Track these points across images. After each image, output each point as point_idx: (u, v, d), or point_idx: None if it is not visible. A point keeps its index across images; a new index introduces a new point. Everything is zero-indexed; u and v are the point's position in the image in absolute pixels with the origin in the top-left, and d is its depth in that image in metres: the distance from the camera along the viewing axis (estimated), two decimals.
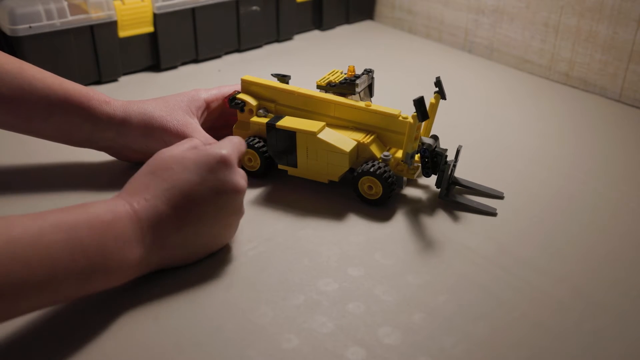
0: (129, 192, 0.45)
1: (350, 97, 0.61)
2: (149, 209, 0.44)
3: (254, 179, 0.62)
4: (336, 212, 0.57)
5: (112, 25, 0.83)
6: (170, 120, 0.59)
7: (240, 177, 0.49)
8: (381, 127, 0.59)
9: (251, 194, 0.60)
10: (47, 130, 0.59)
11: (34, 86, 0.56)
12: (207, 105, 0.63)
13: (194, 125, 0.60)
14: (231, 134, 0.63)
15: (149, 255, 0.45)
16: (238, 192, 0.48)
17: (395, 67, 0.93)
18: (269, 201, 0.59)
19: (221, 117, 0.66)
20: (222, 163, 0.47)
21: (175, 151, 0.48)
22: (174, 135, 0.58)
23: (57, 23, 0.78)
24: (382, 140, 0.60)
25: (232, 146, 0.49)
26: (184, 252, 0.48)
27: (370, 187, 0.57)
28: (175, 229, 0.46)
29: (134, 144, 0.59)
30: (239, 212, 0.50)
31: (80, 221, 0.41)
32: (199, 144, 0.49)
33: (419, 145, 0.57)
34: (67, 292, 0.40)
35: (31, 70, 0.57)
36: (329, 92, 0.61)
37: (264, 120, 0.60)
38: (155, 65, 0.90)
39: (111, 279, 0.43)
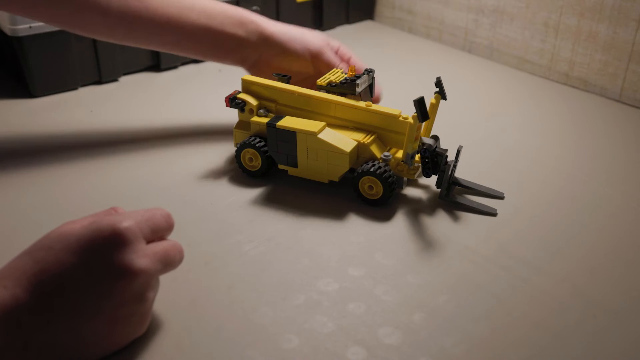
0: (2, 275, 0.37)
1: (350, 97, 0.61)
2: (7, 299, 0.35)
3: (255, 179, 0.62)
4: (336, 212, 0.57)
5: None
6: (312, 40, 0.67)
7: (139, 256, 0.38)
8: (381, 128, 0.59)
9: (251, 194, 0.60)
10: (203, 45, 0.66)
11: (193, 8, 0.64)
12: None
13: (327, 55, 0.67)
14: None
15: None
16: (132, 277, 0.37)
17: (396, 67, 0.93)
18: (269, 201, 0.59)
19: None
20: (114, 239, 0.37)
21: (72, 226, 0.39)
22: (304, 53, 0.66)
23: None
24: (383, 141, 0.60)
25: (140, 218, 0.39)
26: (62, 356, 0.37)
27: (371, 187, 0.57)
28: (41, 324, 0.36)
29: (276, 58, 0.67)
30: (140, 299, 0.39)
31: None
32: (103, 216, 0.40)
33: (419, 146, 0.57)
34: None
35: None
36: (329, 92, 0.61)
37: (265, 120, 0.60)
38: (155, 65, 0.90)
39: None
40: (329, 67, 0.68)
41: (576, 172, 0.65)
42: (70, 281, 0.36)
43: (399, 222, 0.56)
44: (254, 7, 0.95)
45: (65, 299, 0.36)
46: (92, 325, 0.38)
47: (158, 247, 0.40)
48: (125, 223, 0.38)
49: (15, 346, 0.35)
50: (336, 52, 0.70)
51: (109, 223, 0.37)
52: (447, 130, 0.67)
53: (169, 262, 0.40)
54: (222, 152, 0.67)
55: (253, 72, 0.68)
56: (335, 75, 0.63)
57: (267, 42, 0.66)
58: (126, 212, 0.40)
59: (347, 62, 0.70)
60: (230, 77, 0.86)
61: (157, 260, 0.39)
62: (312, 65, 0.68)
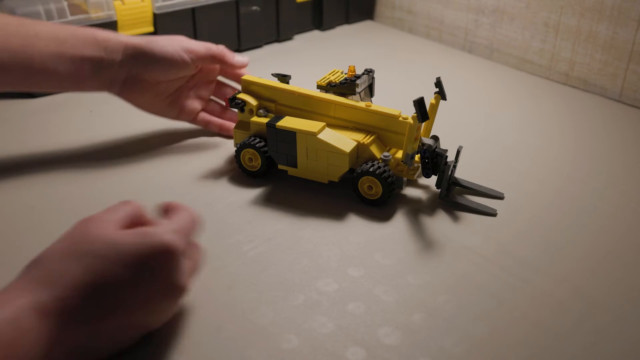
0: (39, 280, 0.36)
1: (350, 97, 0.61)
2: (56, 302, 0.35)
3: (254, 179, 0.62)
4: (336, 212, 0.57)
5: (112, 26, 0.83)
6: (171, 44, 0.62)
7: (185, 276, 0.40)
8: (381, 128, 0.59)
9: (251, 194, 0.60)
10: (58, 75, 0.59)
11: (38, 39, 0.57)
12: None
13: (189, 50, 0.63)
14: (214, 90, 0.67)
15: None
16: (180, 296, 0.40)
17: (395, 67, 0.93)
18: (269, 201, 0.59)
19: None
20: (167, 259, 0.38)
21: (107, 230, 0.38)
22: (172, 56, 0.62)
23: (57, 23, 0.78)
24: (382, 141, 0.60)
25: (184, 232, 0.41)
26: (95, 350, 0.39)
27: (370, 187, 0.57)
28: (87, 331, 0.37)
29: (149, 68, 0.62)
30: (176, 303, 0.42)
31: None
32: (136, 215, 0.41)
33: (419, 146, 0.57)
34: None
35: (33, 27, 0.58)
36: (329, 92, 0.61)
37: (264, 120, 0.60)
38: None
39: None
40: (203, 62, 0.65)
41: (576, 172, 0.65)
42: (124, 296, 0.37)
43: (399, 222, 0.56)
44: (254, 7, 0.95)
45: (117, 312, 0.37)
46: (133, 333, 0.40)
47: (193, 264, 0.43)
48: (177, 242, 0.39)
49: (59, 346, 0.36)
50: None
51: (162, 241, 0.38)
52: (446, 130, 0.67)
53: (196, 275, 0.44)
54: (222, 152, 0.67)
55: (124, 95, 0.64)
56: (335, 75, 0.63)
57: (134, 55, 0.61)
58: (170, 223, 0.41)
59: (232, 64, 0.67)
60: None
61: (192, 277, 0.43)
62: (194, 64, 0.64)
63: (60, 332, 0.35)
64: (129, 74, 0.62)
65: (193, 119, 0.69)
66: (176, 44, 0.63)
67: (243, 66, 0.68)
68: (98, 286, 0.36)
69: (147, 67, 0.62)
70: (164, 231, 0.39)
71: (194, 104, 0.69)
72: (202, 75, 0.69)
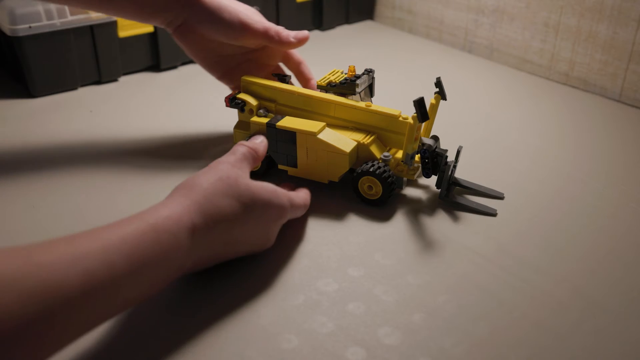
0: (200, 208, 0.44)
1: (350, 97, 0.61)
2: (205, 233, 0.44)
3: (254, 178, 0.62)
4: (336, 212, 0.57)
5: (112, 25, 0.83)
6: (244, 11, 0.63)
7: (277, 228, 0.52)
8: (381, 128, 0.59)
9: None
10: (128, 7, 0.62)
11: None
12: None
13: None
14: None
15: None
16: (267, 241, 0.51)
17: (396, 67, 0.93)
18: None
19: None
20: (282, 214, 0.50)
21: (248, 181, 0.48)
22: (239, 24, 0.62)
23: (57, 23, 0.78)
24: (382, 141, 0.60)
25: (297, 203, 0.53)
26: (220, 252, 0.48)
27: (370, 187, 0.57)
28: (213, 252, 0.46)
29: (202, 25, 0.63)
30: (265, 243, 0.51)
31: (146, 237, 0.39)
32: (251, 154, 0.52)
33: (419, 146, 0.57)
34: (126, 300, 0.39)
35: None
36: (329, 92, 0.61)
37: (264, 120, 0.60)
38: (155, 65, 0.90)
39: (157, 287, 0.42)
40: (257, 40, 0.63)
41: (576, 172, 0.65)
42: (247, 232, 0.48)
43: (399, 222, 0.56)
44: (254, 7, 0.95)
45: (238, 242, 0.48)
46: (234, 255, 0.49)
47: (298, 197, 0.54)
48: (288, 209, 0.50)
49: (189, 261, 0.44)
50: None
51: (281, 204, 0.49)
52: (447, 130, 0.67)
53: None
54: (222, 152, 0.67)
55: (177, 37, 0.65)
56: (335, 75, 0.63)
57: (193, 7, 0.62)
58: (292, 194, 0.52)
59: (297, 65, 0.67)
60: None
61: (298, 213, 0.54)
62: (245, 39, 0.63)
63: (196, 251, 0.44)
64: (184, 20, 0.63)
65: (234, 87, 0.69)
66: (237, 13, 0.62)
67: (296, 43, 0.66)
68: (235, 223, 0.46)
69: (201, 23, 0.63)
70: (286, 199, 0.50)
71: (241, 77, 0.67)
72: (265, 53, 0.67)
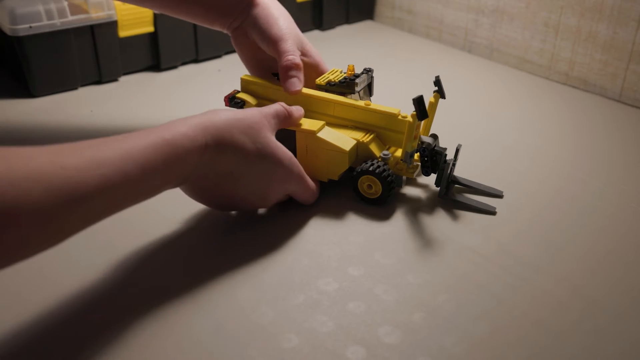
0: (217, 132, 0.47)
1: (349, 96, 0.61)
2: (215, 157, 0.48)
3: None
4: (336, 212, 0.57)
5: (112, 25, 0.83)
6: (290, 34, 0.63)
7: (282, 189, 0.55)
8: (381, 126, 0.59)
9: None
10: (196, 10, 0.66)
11: None
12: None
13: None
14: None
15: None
16: (268, 201, 0.55)
17: (395, 67, 0.93)
18: None
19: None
20: (292, 181, 0.54)
21: (271, 138, 0.52)
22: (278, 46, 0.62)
23: (58, 23, 0.78)
24: (382, 139, 0.60)
25: (308, 185, 0.56)
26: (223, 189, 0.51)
27: (370, 186, 0.57)
28: (213, 183, 0.50)
29: (250, 31, 0.64)
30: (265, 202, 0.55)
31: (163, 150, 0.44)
32: (283, 113, 0.55)
33: (418, 144, 0.57)
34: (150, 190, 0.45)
35: None
36: (328, 92, 0.61)
37: None
38: (156, 65, 0.90)
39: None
40: (279, 55, 0.62)
41: (576, 172, 0.65)
42: (254, 177, 0.51)
43: (398, 221, 0.56)
44: None
45: (239, 182, 0.51)
46: (240, 202, 0.53)
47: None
48: (298, 180, 0.55)
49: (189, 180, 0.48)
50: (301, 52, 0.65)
51: (293, 172, 0.53)
52: (446, 130, 0.67)
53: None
54: None
55: (233, 41, 0.67)
56: (334, 75, 0.63)
57: (249, 13, 0.64)
58: (306, 176, 0.56)
59: (316, 67, 0.66)
60: (230, 76, 0.86)
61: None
62: (276, 54, 0.63)
63: (202, 168, 0.47)
64: (241, 24, 0.65)
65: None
66: (280, 30, 0.62)
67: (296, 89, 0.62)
68: (243, 161, 0.49)
69: (251, 28, 0.64)
70: (298, 171, 0.54)
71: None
72: (311, 68, 0.66)
